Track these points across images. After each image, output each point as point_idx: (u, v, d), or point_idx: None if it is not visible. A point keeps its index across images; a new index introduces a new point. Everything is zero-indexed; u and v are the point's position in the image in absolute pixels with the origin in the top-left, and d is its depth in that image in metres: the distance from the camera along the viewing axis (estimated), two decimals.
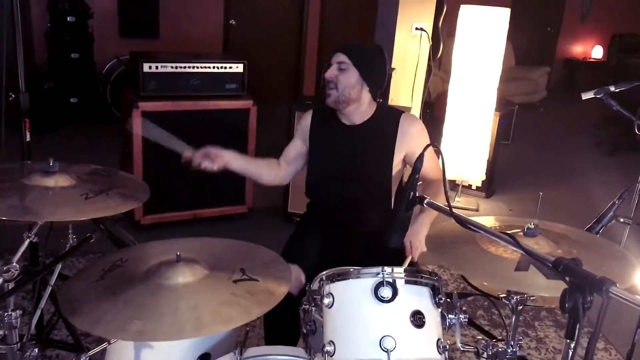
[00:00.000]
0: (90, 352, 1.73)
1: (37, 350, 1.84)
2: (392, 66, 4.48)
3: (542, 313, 3.34)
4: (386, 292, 1.49)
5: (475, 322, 1.79)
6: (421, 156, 1.47)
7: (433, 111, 6.88)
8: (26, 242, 1.65)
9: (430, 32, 4.60)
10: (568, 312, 0.98)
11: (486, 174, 4.79)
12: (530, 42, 9.42)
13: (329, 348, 1.52)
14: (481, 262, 1.50)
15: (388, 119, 2.31)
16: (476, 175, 4.77)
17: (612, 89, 1.90)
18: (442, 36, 4.83)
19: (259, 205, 4.16)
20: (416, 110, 4.81)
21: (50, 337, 2.66)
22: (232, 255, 1.62)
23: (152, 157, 3.74)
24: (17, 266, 1.62)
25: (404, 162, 2.34)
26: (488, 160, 4.77)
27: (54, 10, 5.90)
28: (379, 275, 1.51)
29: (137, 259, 1.58)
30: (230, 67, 3.87)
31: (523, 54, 8.86)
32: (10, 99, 2.21)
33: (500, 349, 1.57)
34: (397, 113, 2.33)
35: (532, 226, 1.51)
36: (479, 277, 1.54)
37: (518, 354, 1.57)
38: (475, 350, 1.59)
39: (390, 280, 1.50)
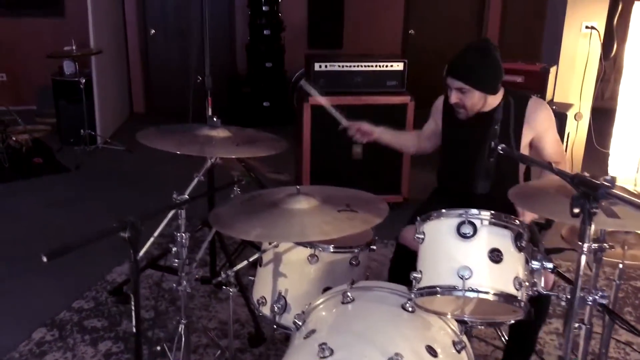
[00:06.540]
0: (236, 267, 2.16)
1: (202, 270, 2.34)
2: (558, 64, 4.46)
3: None
4: (467, 229, 1.71)
5: (562, 274, 1.88)
6: (498, 107, 1.67)
7: None
8: (195, 180, 2.15)
9: (602, 31, 4.49)
10: (575, 217, 1.15)
11: None
12: None
13: (416, 275, 1.77)
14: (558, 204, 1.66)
15: (516, 104, 2.42)
16: None
17: None
18: (616, 36, 4.67)
19: (414, 195, 4.43)
20: (585, 111, 4.71)
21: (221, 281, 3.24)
22: (344, 195, 1.96)
23: (319, 147, 4.26)
24: (187, 197, 2.12)
25: (531, 146, 2.46)
26: None
27: (253, 25, 6.81)
28: (463, 216, 1.73)
29: (269, 195, 1.99)
30: (392, 66, 4.22)
31: None
32: (198, 81, 2.80)
33: (580, 295, 1.67)
34: (524, 98, 2.45)
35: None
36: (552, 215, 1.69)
37: (599, 301, 1.66)
38: (556, 295, 1.71)
39: (473, 220, 1.72)
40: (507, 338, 2.60)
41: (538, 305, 1.91)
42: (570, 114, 4.14)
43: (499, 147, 1.68)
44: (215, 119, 2.17)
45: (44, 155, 5.51)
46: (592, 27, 4.47)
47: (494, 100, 2.41)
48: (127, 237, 1.67)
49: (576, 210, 1.16)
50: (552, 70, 4.02)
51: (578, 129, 4.60)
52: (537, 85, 3.95)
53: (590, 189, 1.14)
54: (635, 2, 4.41)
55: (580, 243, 1.18)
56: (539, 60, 4.58)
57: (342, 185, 4.79)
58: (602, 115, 5.21)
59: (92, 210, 4.40)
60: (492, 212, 1.74)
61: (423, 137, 2.76)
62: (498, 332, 2.82)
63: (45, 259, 1.44)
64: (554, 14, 4.65)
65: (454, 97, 2.37)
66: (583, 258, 1.20)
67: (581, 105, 4.60)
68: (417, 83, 4.36)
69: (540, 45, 5.09)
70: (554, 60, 4.50)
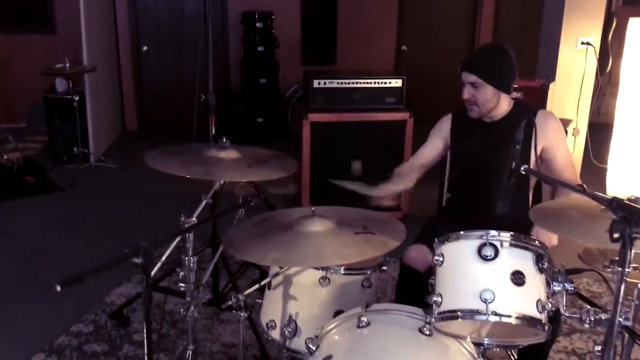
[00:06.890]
0: (247, 291, 2.11)
1: (208, 294, 2.28)
2: (555, 80, 4.48)
3: None
4: (488, 251, 1.67)
5: (582, 294, 1.85)
6: (519, 127, 1.65)
7: None
8: (203, 202, 2.10)
9: (597, 46, 4.52)
10: (615, 242, 1.12)
11: None
12: None
13: (436, 299, 1.73)
14: (582, 225, 1.63)
15: (525, 114, 2.43)
16: None
17: None
18: (611, 51, 4.71)
19: (413, 211, 4.40)
20: (582, 126, 4.73)
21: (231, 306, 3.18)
22: (359, 216, 1.92)
23: (318, 164, 4.23)
24: (196, 220, 2.07)
25: (540, 157, 2.45)
26: None
27: (247, 42, 6.79)
28: (483, 237, 1.70)
29: (282, 216, 1.95)
30: (390, 82, 4.22)
31: None
32: (201, 99, 2.76)
33: (603, 318, 1.65)
34: (533, 110, 2.45)
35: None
36: (577, 237, 1.66)
37: (623, 323, 1.62)
38: (579, 317, 1.68)
39: (493, 242, 1.68)
40: (516, 357, 2.57)
41: (551, 323, 1.88)
42: (568, 130, 4.14)
43: (522, 168, 1.65)
44: (224, 139, 2.12)
45: (36, 174, 5.42)
46: (588, 43, 4.50)
47: (505, 104, 2.42)
48: (140, 263, 1.62)
49: (616, 235, 1.13)
50: (551, 86, 4.03)
51: (575, 145, 4.62)
52: (537, 101, 3.94)
53: (630, 213, 1.12)
54: (630, 18, 4.45)
55: (620, 269, 1.15)
56: (534, 76, 4.60)
57: (341, 202, 4.75)
58: (599, 130, 5.24)
59: (88, 229, 4.32)
60: (512, 233, 1.71)
61: (420, 163, 2.65)
62: (508, 351, 2.78)
63: (59, 288, 1.38)
64: (550, 30, 4.67)
65: (466, 93, 2.37)
66: (623, 284, 1.18)
67: (578, 120, 4.62)
68: (410, 99, 4.33)
69: (533, 61, 5.11)
70: (551, 76, 4.52)
